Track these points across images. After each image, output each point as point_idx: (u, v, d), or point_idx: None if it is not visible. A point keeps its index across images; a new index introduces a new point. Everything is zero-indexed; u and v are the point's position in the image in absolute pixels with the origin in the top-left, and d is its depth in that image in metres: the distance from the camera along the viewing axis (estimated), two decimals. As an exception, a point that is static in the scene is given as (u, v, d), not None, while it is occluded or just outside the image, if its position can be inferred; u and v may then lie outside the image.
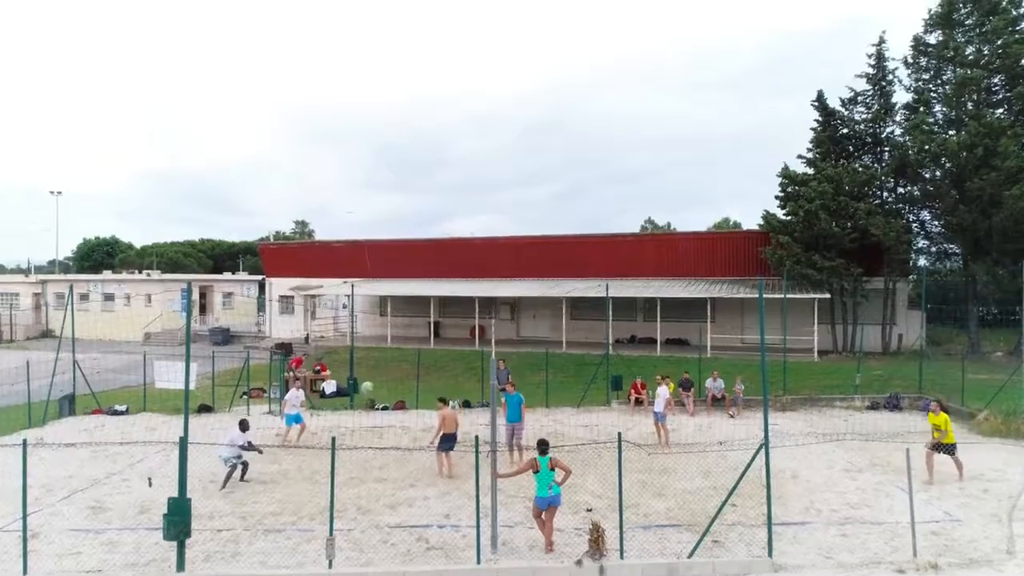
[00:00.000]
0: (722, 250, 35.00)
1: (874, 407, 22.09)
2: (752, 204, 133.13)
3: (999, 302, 28.37)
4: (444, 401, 15.46)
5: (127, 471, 15.74)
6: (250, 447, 14.26)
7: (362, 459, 16.57)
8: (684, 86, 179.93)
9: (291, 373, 25.59)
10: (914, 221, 29.73)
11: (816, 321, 28.90)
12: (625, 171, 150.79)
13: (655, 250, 36.30)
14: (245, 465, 14.27)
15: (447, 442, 15.00)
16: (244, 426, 14.53)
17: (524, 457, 15.90)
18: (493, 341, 19.66)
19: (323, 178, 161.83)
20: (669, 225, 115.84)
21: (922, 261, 28.37)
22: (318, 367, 26.58)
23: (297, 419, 17.88)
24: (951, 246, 28.78)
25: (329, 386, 25.87)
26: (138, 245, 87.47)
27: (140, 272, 71.77)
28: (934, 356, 29.29)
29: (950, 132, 27.51)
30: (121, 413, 21.72)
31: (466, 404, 22.75)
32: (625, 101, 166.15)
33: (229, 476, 14.03)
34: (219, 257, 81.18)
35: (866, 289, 29.08)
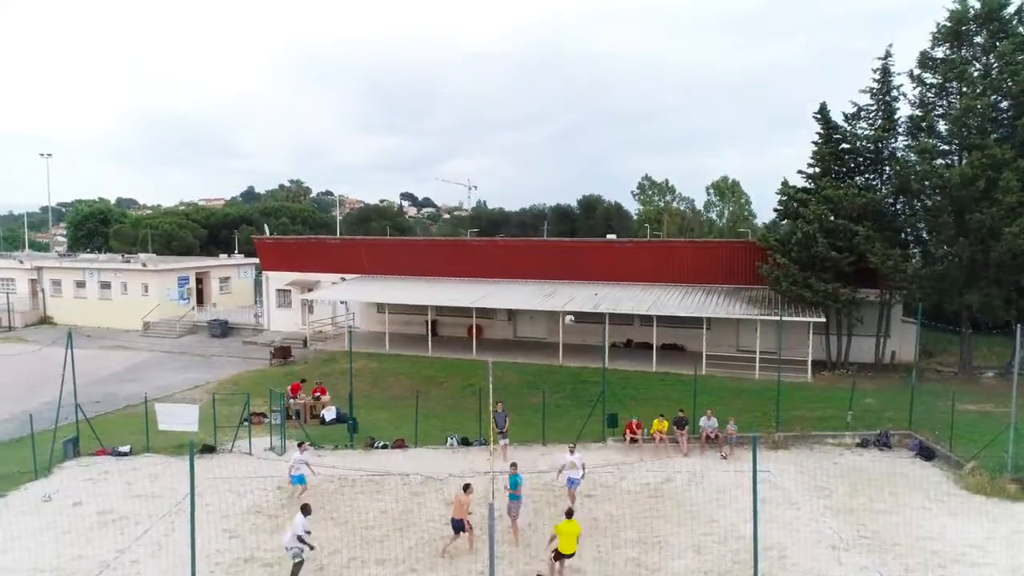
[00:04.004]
0: (719, 259, 35.03)
1: (864, 444, 22.50)
2: (748, 150, 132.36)
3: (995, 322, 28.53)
4: (466, 488, 15.65)
5: (135, 547, 16.00)
6: (302, 541, 14.35)
7: (362, 524, 17.03)
8: (684, 26, 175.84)
9: (290, 401, 25.88)
10: (911, 238, 29.62)
11: (811, 340, 29.15)
12: (623, 113, 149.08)
13: (652, 257, 36.32)
14: (302, 563, 14.36)
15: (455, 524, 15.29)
16: (307, 511, 14.62)
17: (518, 528, 16.28)
18: (490, 368, 19.79)
19: (318, 120, 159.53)
20: (667, 182, 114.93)
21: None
22: (317, 392, 26.83)
23: (301, 480, 18.37)
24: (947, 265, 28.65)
25: (329, 413, 26.18)
26: (129, 195, 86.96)
27: (135, 246, 71.54)
28: (926, 369, 29.74)
29: (952, 153, 27.20)
30: (124, 454, 22.04)
31: (464, 442, 23.03)
32: (624, 39, 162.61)
33: (296, 570, 14.14)
34: (214, 226, 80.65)
35: (861, 312, 29.34)
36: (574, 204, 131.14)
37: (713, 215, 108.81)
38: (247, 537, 16.54)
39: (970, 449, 20.84)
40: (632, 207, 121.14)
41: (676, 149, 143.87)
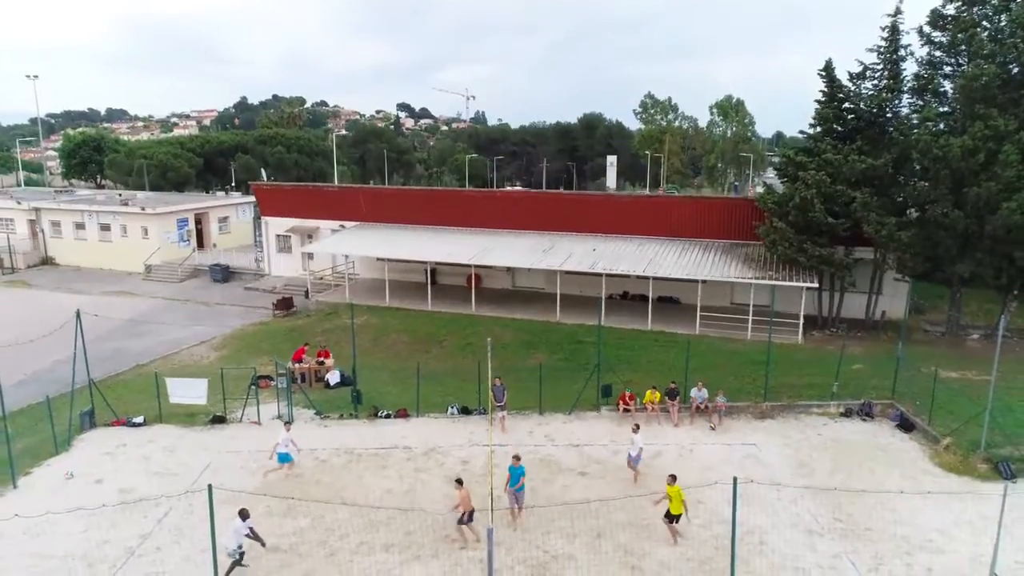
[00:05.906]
0: (717, 214, 35.09)
1: (847, 414, 23.43)
2: (750, 57, 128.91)
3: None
4: (460, 483, 16.50)
5: (157, 532, 16.84)
6: (253, 536, 15.24)
7: (368, 507, 17.87)
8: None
9: (295, 366, 26.64)
10: (909, 203, 29.52)
11: (803, 302, 29.71)
12: (625, 18, 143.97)
13: (651, 211, 36.37)
14: (242, 555, 15.04)
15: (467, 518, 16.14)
16: (244, 515, 15.06)
17: (523, 514, 17.14)
18: (489, 347, 20.42)
19: (312, 24, 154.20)
20: (669, 100, 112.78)
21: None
22: (321, 357, 27.57)
23: (287, 458, 19.15)
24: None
25: (333, 377, 27.02)
26: (120, 104, 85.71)
27: (131, 176, 70.88)
28: (915, 329, 30.48)
29: (955, 118, 26.82)
30: (139, 425, 22.94)
31: (464, 411, 23.92)
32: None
33: (231, 570, 14.76)
34: (209, 155, 79.47)
35: (854, 276, 29.77)
36: (575, 122, 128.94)
37: (716, 133, 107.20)
38: (260, 521, 17.22)
39: (948, 422, 21.72)
40: (634, 125, 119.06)
41: (678, 53, 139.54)
